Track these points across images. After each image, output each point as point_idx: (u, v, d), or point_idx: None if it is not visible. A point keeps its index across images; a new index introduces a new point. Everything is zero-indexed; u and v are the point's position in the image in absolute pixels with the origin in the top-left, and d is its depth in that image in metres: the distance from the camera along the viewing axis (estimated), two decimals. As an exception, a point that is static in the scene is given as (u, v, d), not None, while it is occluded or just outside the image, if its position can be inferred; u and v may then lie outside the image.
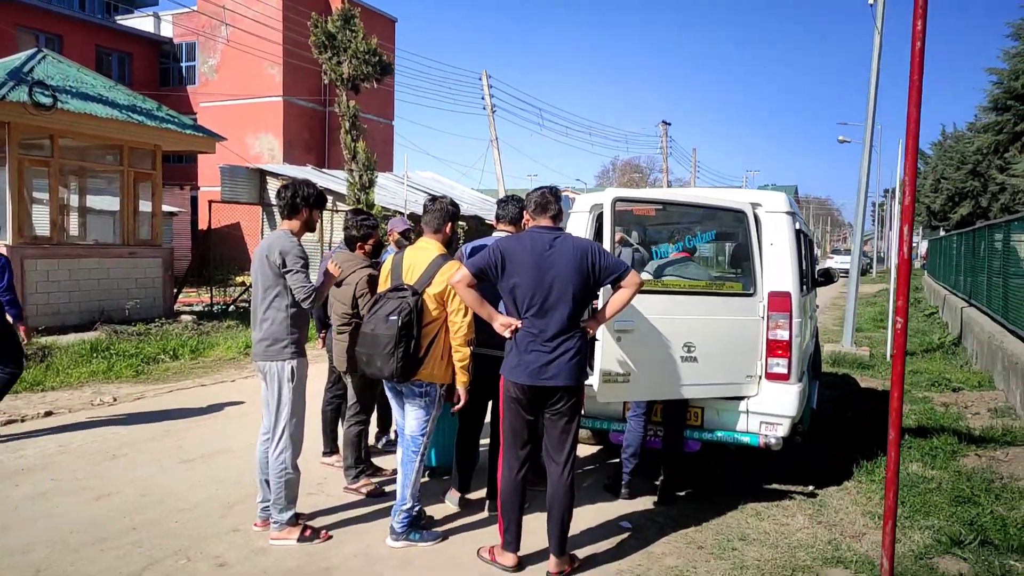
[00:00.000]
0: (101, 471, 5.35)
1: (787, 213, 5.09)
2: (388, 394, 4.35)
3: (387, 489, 5.05)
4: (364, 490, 4.97)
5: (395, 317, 3.88)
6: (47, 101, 9.87)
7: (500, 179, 25.63)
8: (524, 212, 4.69)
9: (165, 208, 22.02)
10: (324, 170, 23.06)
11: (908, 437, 6.47)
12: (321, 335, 5.75)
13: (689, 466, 5.44)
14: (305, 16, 14.37)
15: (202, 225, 20.51)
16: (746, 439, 4.90)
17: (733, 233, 5.52)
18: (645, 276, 4.97)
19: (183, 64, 30.28)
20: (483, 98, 26.13)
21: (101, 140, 11.54)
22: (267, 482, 4.23)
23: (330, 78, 14.29)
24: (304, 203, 4.24)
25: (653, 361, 4.64)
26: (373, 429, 5.88)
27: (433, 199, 4.32)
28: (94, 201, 13.26)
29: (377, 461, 5.56)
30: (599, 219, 5.35)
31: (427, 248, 4.20)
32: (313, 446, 5.73)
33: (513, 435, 3.90)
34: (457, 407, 4.19)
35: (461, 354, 4.05)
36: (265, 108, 27.65)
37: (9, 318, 5.98)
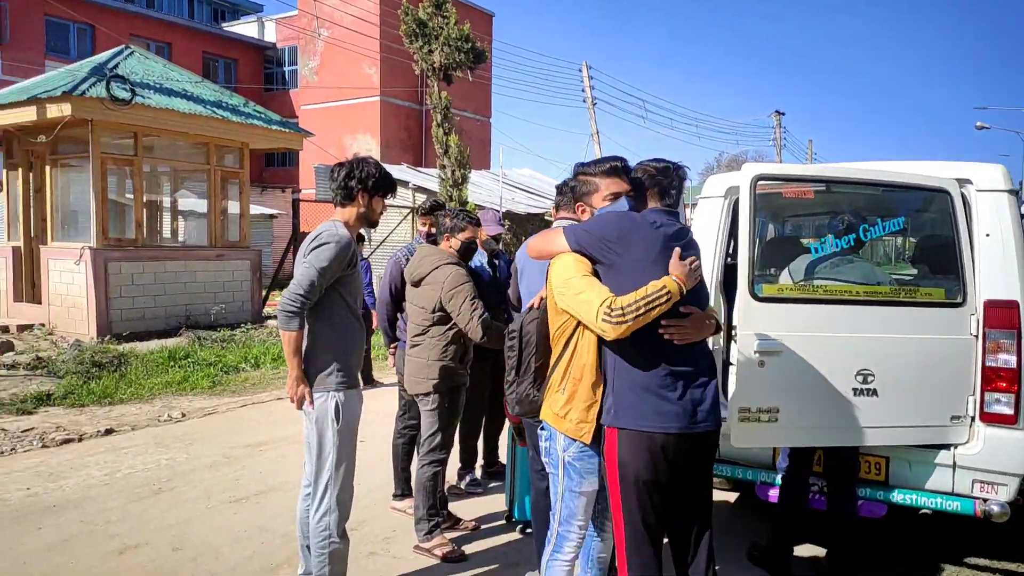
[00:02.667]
0: (139, 511, 4.55)
1: (1008, 192, 3.70)
2: None
3: (468, 550, 4.00)
4: (439, 552, 3.91)
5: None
6: (125, 96, 9.43)
7: (601, 174, 24.28)
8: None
9: (267, 211, 22.09)
10: (419, 169, 22.48)
11: None
12: (391, 349, 4.76)
13: (866, 534, 4.11)
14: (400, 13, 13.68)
15: (304, 228, 20.36)
16: (954, 504, 3.54)
17: (926, 221, 4.18)
18: (787, 279, 3.75)
19: (286, 68, 30.59)
20: (583, 90, 24.90)
21: (186, 137, 11.12)
22: (309, 548, 3.26)
23: (422, 68, 13.50)
24: (361, 186, 3.21)
25: (812, 394, 3.44)
26: (455, 464, 4.85)
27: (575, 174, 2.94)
28: (184, 203, 12.97)
29: (458, 508, 4.53)
30: (736, 206, 4.12)
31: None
32: (383, 486, 4.78)
33: (649, 522, 2.59)
34: None
35: (617, 328, 2.45)
36: (363, 108, 27.43)
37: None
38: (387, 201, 3.46)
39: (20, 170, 11.25)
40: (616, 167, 2.78)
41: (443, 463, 4.05)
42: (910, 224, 4.31)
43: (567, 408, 2.64)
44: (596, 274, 2.62)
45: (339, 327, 3.17)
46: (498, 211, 5.01)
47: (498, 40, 28.92)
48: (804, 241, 4.31)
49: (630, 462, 2.53)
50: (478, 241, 4.96)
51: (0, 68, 21.86)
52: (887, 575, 3.78)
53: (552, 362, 2.74)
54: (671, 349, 2.55)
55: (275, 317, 12.16)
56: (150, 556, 3.91)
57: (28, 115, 9.89)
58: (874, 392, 3.49)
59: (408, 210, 15.73)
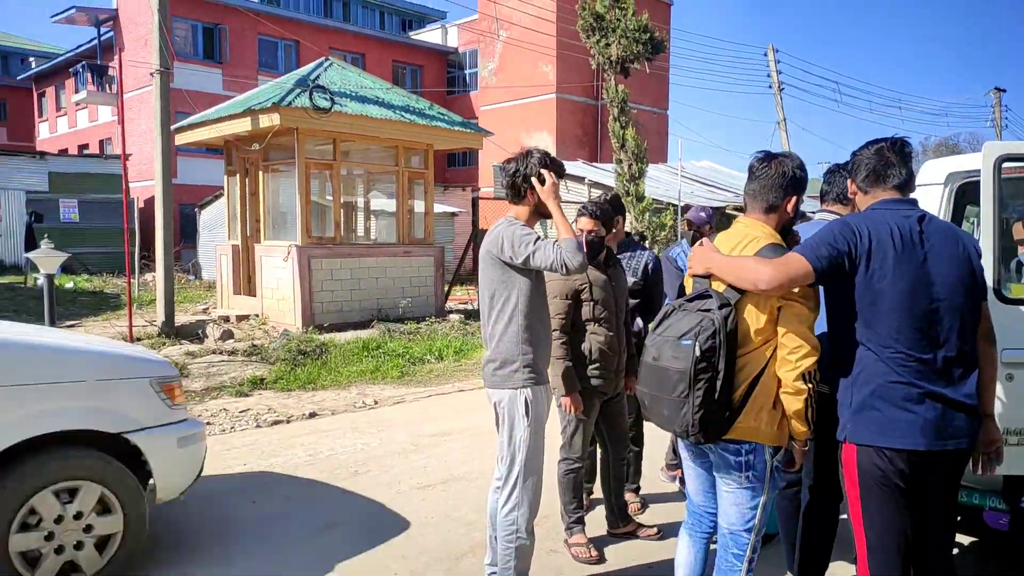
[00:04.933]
0: (337, 493, 4.88)
1: None
2: (685, 459, 2.86)
3: (662, 555, 3.89)
4: (575, 552, 3.90)
5: (690, 341, 2.44)
6: (325, 104, 10.18)
7: (788, 164, 22.95)
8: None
9: (448, 208, 23.01)
10: (594, 164, 22.46)
11: None
12: None
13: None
14: (578, 7, 13.74)
15: (483, 225, 20.99)
16: None
17: None
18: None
19: (466, 72, 31.72)
20: (768, 75, 23.66)
21: (377, 141, 11.83)
22: (496, 539, 3.31)
23: (598, 63, 13.43)
24: (527, 184, 3.20)
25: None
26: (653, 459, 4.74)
27: (766, 157, 2.68)
28: (375, 203, 13.79)
29: (660, 511, 4.42)
30: (960, 195, 3.68)
31: (748, 233, 2.63)
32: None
33: (896, 539, 2.45)
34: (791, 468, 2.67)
35: (795, 398, 2.44)
36: (539, 107, 27.85)
37: None
38: (564, 198, 3.41)
39: (238, 176, 12.52)
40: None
41: (579, 471, 3.96)
42: None
43: (781, 419, 2.54)
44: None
45: (525, 324, 3.18)
46: (705, 208, 4.85)
47: (677, 28, 28.22)
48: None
49: (870, 472, 2.43)
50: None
51: (221, 85, 24.51)
52: None
53: (747, 380, 2.49)
54: (919, 356, 2.36)
55: (456, 312, 12.70)
56: (348, 535, 4.17)
57: (244, 126, 10.99)
58: None
59: (584, 206, 15.71)
